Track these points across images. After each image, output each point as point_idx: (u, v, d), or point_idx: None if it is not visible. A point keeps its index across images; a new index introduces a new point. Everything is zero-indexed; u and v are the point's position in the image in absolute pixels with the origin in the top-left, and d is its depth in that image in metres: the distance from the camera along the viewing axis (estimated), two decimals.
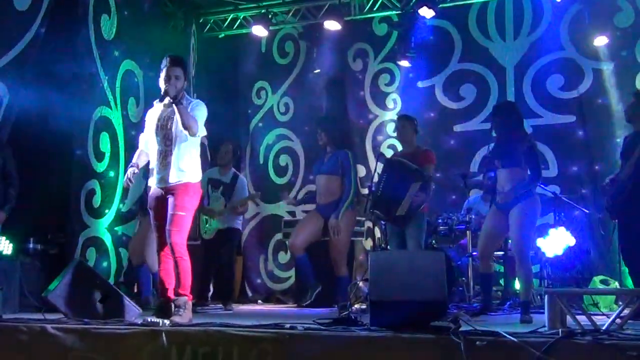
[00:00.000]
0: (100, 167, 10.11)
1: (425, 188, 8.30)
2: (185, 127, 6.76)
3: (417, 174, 8.24)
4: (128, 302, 6.97)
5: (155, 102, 7.06)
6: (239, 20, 12.19)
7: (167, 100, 6.79)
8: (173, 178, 6.77)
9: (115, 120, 10.36)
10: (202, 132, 6.91)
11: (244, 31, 12.17)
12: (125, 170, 9.88)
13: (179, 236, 6.73)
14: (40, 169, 9.37)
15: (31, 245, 8.89)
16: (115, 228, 10.33)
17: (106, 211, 10.18)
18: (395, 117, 10.84)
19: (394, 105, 11.63)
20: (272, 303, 11.49)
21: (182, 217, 6.77)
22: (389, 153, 11.21)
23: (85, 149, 9.92)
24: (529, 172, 7.31)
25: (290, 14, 11.91)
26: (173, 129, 6.81)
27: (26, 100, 8.77)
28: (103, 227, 10.14)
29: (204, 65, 12.21)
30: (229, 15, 12.22)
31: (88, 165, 9.95)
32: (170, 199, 6.75)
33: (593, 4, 10.27)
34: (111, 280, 9.89)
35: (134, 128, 10.60)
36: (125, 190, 10.36)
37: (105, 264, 10.15)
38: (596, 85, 10.38)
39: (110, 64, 10.33)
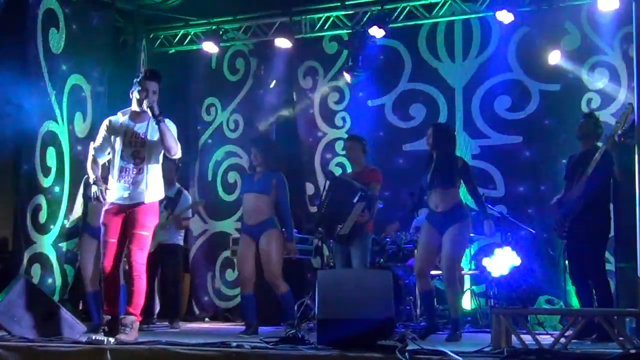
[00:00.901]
0: (47, 182, 10.00)
1: (369, 207, 8.33)
2: (167, 147, 6.65)
3: (361, 194, 8.29)
4: (72, 319, 6.89)
5: (120, 113, 6.88)
6: (190, 37, 12.17)
7: (137, 114, 6.71)
8: (143, 197, 6.67)
9: (62, 135, 10.25)
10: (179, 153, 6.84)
11: (194, 47, 12.14)
12: (76, 185, 9.83)
13: (141, 255, 6.67)
14: None
15: None
16: (60, 244, 10.20)
17: (52, 227, 10.06)
18: (345, 136, 10.96)
19: (343, 123, 11.65)
20: (219, 321, 11.41)
21: (146, 237, 6.71)
22: (337, 171, 11.28)
23: (32, 164, 9.81)
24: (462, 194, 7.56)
25: (241, 30, 11.91)
26: (145, 147, 6.68)
27: None
28: (48, 243, 10.01)
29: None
30: (180, 31, 12.19)
31: (35, 180, 9.84)
32: (133, 217, 6.64)
33: (540, 26, 10.40)
34: (56, 297, 9.77)
35: (80, 143, 10.50)
36: (71, 206, 10.25)
37: (50, 280, 10.02)
38: (543, 107, 10.50)
39: (58, 78, 10.24)
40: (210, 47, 11.60)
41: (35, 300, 6.79)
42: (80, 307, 10.35)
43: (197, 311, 11.77)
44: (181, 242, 9.86)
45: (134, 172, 6.66)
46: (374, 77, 11.29)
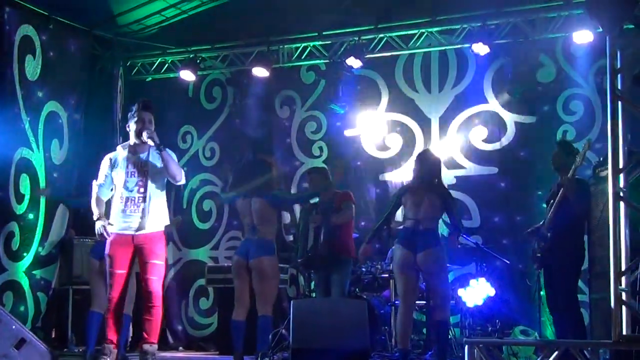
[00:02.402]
0: (20, 209, 9.94)
1: (322, 212, 8.42)
2: (172, 174, 6.83)
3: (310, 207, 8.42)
4: (44, 347, 6.81)
5: (119, 147, 7.07)
6: (167, 64, 12.16)
7: (136, 146, 6.87)
8: (150, 226, 6.82)
9: (37, 162, 10.20)
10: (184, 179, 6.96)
11: (171, 75, 12.12)
12: (51, 212, 9.76)
13: (159, 285, 6.86)
14: None
15: None
16: (34, 272, 10.12)
17: (24, 254, 9.98)
18: (322, 165, 10.99)
19: (321, 152, 11.66)
20: (193, 350, 11.33)
21: (161, 265, 6.90)
22: (314, 200, 11.26)
23: (6, 191, 9.74)
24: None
25: (219, 59, 11.93)
26: (149, 176, 6.82)
27: None
28: (21, 271, 9.93)
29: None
30: (157, 59, 12.19)
31: (8, 206, 9.77)
32: (145, 247, 6.79)
33: (516, 59, 10.46)
34: (28, 326, 9.67)
35: (57, 170, 10.46)
36: (45, 234, 10.19)
37: (22, 308, 9.93)
38: (518, 138, 10.56)
39: (33, 105, 10.21)
40: (187, 75, 11.60)
41: (6, 328, 6.71)
42: (53, 335, 10.25)
43: (171, 340, 11.67)
44: None
45: (140, 202, 6.83)
46: (351, 107, 11.30)
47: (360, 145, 11.42)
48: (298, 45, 11.49)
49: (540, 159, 9.98)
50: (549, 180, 8.55)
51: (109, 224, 6.85)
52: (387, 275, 9.52)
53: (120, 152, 7.02)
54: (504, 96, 10.47)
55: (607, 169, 7.62)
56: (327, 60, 11.36)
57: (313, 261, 8.74)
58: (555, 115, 10.36)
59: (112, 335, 6.95)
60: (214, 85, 12.25)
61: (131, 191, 6.83)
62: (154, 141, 6.78)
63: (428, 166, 7.86)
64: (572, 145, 8.08)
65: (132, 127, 6.96)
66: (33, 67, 10.24)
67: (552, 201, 7.83)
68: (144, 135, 6.80)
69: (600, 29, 8.27)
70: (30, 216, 10.10)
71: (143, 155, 6.93)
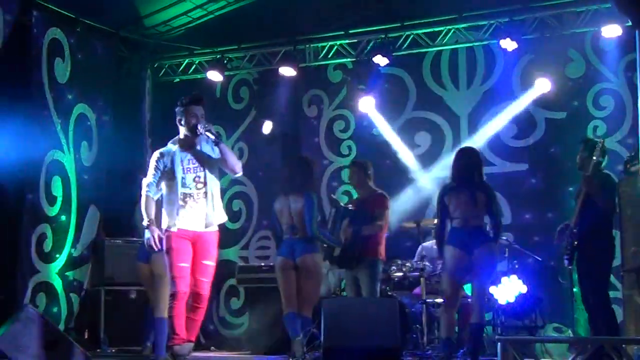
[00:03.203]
0: (52, 211, 10.00)
1: (353, 222, 8.38)
2: (231, 166, 6.79)
3: (343, 212, 8.38)
4: (77, 348, 6.86)
5: (169, 144, 6.96)
6: (194, 65, 12.19)
7: (187, 140, 6.79)
8: (211, 223, 6.81)
9: (68, 164, 10.27)
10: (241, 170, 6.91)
11: (199, 76, 12.15)
12: (83, 214, 9.80)
13: (208, 287, 6.88)
14: None
15: None
16: (66, 273, 10.19)
17: (57, 256, 10.05)
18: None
19: (349, 151, 11.65)
20: (225, 350, 11.35)
21: (213, 267, 6.90)
22: (343, 199, 11.25)
23: (38, 193, 9.81)
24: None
25: (246, 59, 11.94)
26: (205, 171, 6.76)
27: None
28: (54, 272, 10.00)
29: (159, 109, 12.16)
30: (184, 60, 12.23)
31: (40, 209, 9.84)
32: (203, 247, 6.79)
33: (544, 54, 10.41)
34: (61, 327, 9.77)
35: (87, 172, 10.52)
36: (77, 235, 10.25)
37: (55, 309, 10.00)
38: (548, 134, 10.50)
39: (64, 108, 10.28)
40: (214, 76, 11.62)
41: (40, 329, 6.76)
42: (86, 336, 10.31)
43: (202, 340, 11.70)
44: None
45: (200, 197, 6.77)
46: (379, 105, 11.28)
47: (389, 143, 11.39)
48: (324, 44, 11.48)
49: (570, 154, 9.86)
50: (579, 176, 8.48)
51: (160, 236, 6.73)
52: (417, 273, 9.48)
53: (172, 148, 6.90)
54: None
55: (638, 163, 7.62)
56: (354, 59, 11.35)
57: (342, 261, 8.71)
58: (585, 110, 10.30)
59: (184, 333, 6.86)
60: (241, 85, 12.28)
61: (189, 187, 6.73)
62: (212, 134, 6.69)
63: (468, 163, 7.81)
64: (594, 142, 7.97)
65: (183, 122, 6.85)
66: (62, 70, 10.30)
67: (578, 198, 7.78)
68: (200, 129, 6.71)
69: (630, 23, 8.23)
70: (62, 218, 10.17)
71: (196, 150, 6.84)
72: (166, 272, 8.25)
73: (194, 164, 6.80)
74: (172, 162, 6.79)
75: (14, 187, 9.52)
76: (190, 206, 6.74)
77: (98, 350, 9.71)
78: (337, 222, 8.57)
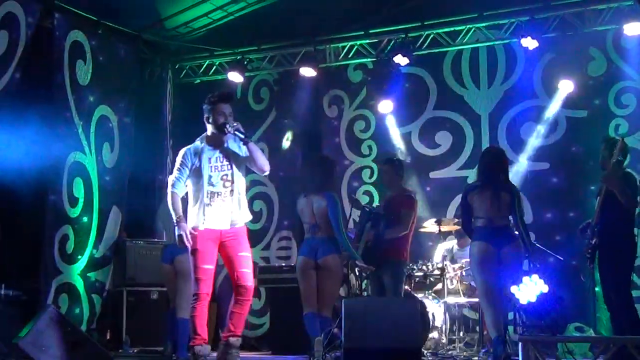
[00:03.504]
0: (74, 212, 10.06)
1: (375, 226, 8.34)
2: (259, 166, 6.74)
3: (367, 215, 8.35)
4: (99, 349, 6.90)
5: (197, 140, 6.89)
6: (215, 67, 12.23)
7: (215, 138, 6.72)
8: (235, 220, 6.73)
9: (90, 166, 10.32)
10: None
11: (219, 77, 12.18)
12: (105, 215, 9.83)
13: (251, 277, 6.78)
14: (14, 214, 9.32)
15: (2, 291, 8.79)
16: (88, 274, 10.25)
17: (79, 257, 10.11)
18: (371, 164, 11.03)
19: (370, 151, 11.65)
20: (246, 350, 11.35)
21: (250, 258, 6.82)
22: (364, 200, 11.27)
23: (60, 195, 9.88)
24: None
25: (266, 60, 11.95)
26: (233, 169, 6.71)
27: (0, 145, 8.74)
28: (76, 273, 10.06)
29: (179, 111, 12.22)
30: (205, 62, 12.26)
31: (62, 210, 9.90)
32: (234, 241, 6.71)
33: (566, 53, 10.36)
34: (83, 327, 9.81)
35: (108, 173, 10.57)
36: (99, 236, 10.30)
37: (77, 310, 10.06)
38: (570, 133, 10.45)
39: (85, 110, 10.34)
40: (235, 77, 11.64)
41: (62, 330, 6.81)
42: (108, 337, 10.36)
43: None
44: None
45: (227, 196, 6.70)
46: (399, 105, 11.28)
47: (410, 143, 11.38)
48: (345, 44, 11.47)
49: (592, 153, 9.83)
50: (601, 175, 8.45)
51: (191, 232, 6.64)
52: (438, 273, 9.46)
53: (199, 145, 6.82)
54: None
55: None
56: (374, 59, 11.34)
57: (365, 262, 8.69)
58: (606, 109, 10.25)
59: (205, 333, 6.83)
60: (262, 86, 12.30)
61: (216, 186, 6.66)
62: (241, 133, 6.63)
63: (493, 162, 7.79)
64: (615, 141, 7.93)
65: (211, 120, 6.75)
66: (84, 72, 10.36)
67: (599, 196, 7.74)
68: (229, 128, 6.64)
69: None
70: (85, 219, 10.22)
71: (224, 148, 6.76)
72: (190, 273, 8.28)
73: (221, 162, 6.72)
74: (200, 159, 6.72)
75: (37, 188, 9.58)
76: (217, 205, 6.67)
77: (120, 350, 9.76)
78: (362, 223, 8.56)
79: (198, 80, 12.48)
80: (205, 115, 6.83)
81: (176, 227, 6.71)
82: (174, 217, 6.74)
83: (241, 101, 12.31)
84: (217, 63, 12.21)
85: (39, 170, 9.32)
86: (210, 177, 6.67)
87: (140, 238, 10.41)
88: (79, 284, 10.10)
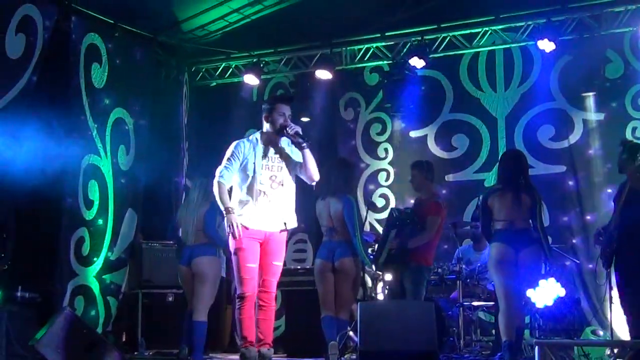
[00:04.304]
0: (89, 214, 10.08)
1: (399, 235, 8.31)
2: (310, 174, 6.65)
3: (393, 222, 8.31)
4: (115, 351, 6.91)
5: (253, 136, 6.82)
6: (231, 69, 12.25)
7: (270, 137, 6.67)
8: (279, 224, 6.68)
9: (105, 168, 10.34)
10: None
11: (235, 80, 12.20)
12: (120, 218, 9.83)
13: (275, 285, 6.77)
14: (30, 216, 9.35)
15: (19, 294, 8.80)
16: (104, 276, 10.26)
17: (95, 259, 10.13)
18: (388, 167, 11.05)
19: (386, 154, 11.64)
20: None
21: (280, 267, 6.79)
22: (380, 202, 11.28)
23: (76, 197, 9.90)
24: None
25: (282, 63, 11.96)
26: (283, 171, 6.65)
27: (17, 147, 8.77)
28: (91, 276, 10.08)
29: (196, 113, 12.25)
30: (221, 64, 12.29)
31: (78, 212, 9.92)
32: (271, 247, 6.66)
33: (583, 55, 10.32)
34: (99, 330, 9.82)
35: (124, 176, 10.59)
36: (114, 239, 10.31)
37: (93, 312, 10.08)
38: (586, 136, 10.41)
39: (100, 112, 10.35)
40: (251, 80, 11.65)
41: (78, 332, 6.82)
42: (124, 339, 10.38)
43: (238, 341, 11.71)
44: (223, 274, 9.83)
45: (274, 197, 6.63)
46: (416, 107, 11.25)
47: (426, 145, 11.36)
48: (361, 46, 11.48)
49: (609, 156, 9.83)
50: (618, 178, 8.38)
51: (241, 224, 6.56)
52: (454, 276, 9.44)
53: (254, 141, 6.74)
54: None
55: None
56: (391, 61, 11.31)
57: (387, 267, 8.67)
58: (624, 111, 10.21)
59: (252, 336, 6.80)
60: (278, 88, 12.29)
61: (264, 185, 6.59)
62: (301, 137, 6.53)
63: (513, 165, 7.76)
64: (631, 143, 7.90)
65: (270, 120, 6.69)
66: (99, 75, 10.38)
67: (618, 200, 7.69)
68: (289, 130, 6.55)
69: None
70: (100, 222, 10.24)
71: (278, 148, 6.69)
72: (211, 275, 8.27)
73: (272, 162, 6.66)
74: (252, 155, 6.66)
75: (53, 191, 9.60)
76: (264, 205, 6.60)
77: (135, 353, 9.76)
78: (388, 228, 8.54)
79: (214, 83, 12.50)
80: (265, 114, 6.77)
81: (226, 217, 6.64)
82: (223, 207, 6.67)
83: (257, 104, 12.30)
84: (233, 66, 12.23)
85: (55, 172, 9.33)
86: (260, 175, 6.61)
87: (156, 240, 10.42)
88: (95, 286, 10.12)
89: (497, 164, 8.35)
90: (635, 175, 7.49)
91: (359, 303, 7.85)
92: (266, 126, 6.75)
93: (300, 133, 6.59)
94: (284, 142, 6.80)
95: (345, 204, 7.94)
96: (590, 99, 10.36)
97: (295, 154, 6.75)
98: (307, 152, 6.58)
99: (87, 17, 10.26)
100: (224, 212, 6.67)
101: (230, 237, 6.69)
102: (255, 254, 6.66)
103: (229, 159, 6.74)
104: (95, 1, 10.28)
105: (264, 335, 6.77)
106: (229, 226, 6.59)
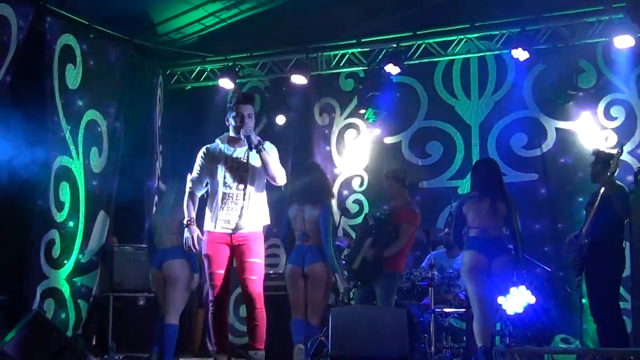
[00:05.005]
0: (60, 216, 10.00)
1: (375, 244, 8.32)
2: (271, 176, 6.54)
3: (369, 230, 8.33)
4: (85, 354, 6.87)
5: (218, 140, 6.80)
6: (206, 73, 12.22)
7: (235, 139, 6.63)
8: (249, 225, 6.57)
9: (77, 170, 10.26)
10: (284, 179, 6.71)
11: (210, 83, 12.17)
12: (91, 220, 9.78)
13: (259, 284, 6.60)
14: (0, 217, 9.27)
15: None
16: (75, 279, 10.18)
17: (65, 262, 10.05)
18: (362, 174, 11.07)
19: (360, 160, 11.64)
20: (233, 357, 11.30)
21: (260, 264, 6.63)
22: (354, 208, 11.29)
23: (47, 199, 9.81)
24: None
25: (257, 67, 11.95)
26: (249, 172, 6.57)
27: None
28: (62, 278, 10.00)
29: (170, 116, 12.20)
30: (196, 68, 12.25)
31: (48, 214, 9.84)
32: (244, 246, 6.55)
33: (556, 65, 10.38)
34: (69, 333, 9.77)
35: (96, 178, 10.53)
36: (85, 241, 10.25)
37: (63, 315, 10.00)
38: (559, 144, 10.48)
39: (74, 114, 10.27)
40: (226, 84, 11.63)
41: (48, 335, 6.77)
42: (94, 343, 10.31)
43: (210, 347, 11.69)
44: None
45: (239, 199, 6.56)
46: (390, 114, 11.27)
47: (400, 152, 11.38)
48: (336, 52, 11.48)
49: (581, 165, 9.89)
50: (590, 187, 8.47)
51: (199, 237, 6.59)
52: (426, 282, 9.46)
53: (219, 144, 6.72)
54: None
55: None
56: (366, 68, 11.33)
57: (361, 277, 8.67)
58: (596, 120, 10.27)
59: (223, 341, 6.80)
60: (253, 93, 12.24)
61: (230, 187, 6.54)
62: (249, 141, 6.46)
63: (487, 173, 7.81)
64: (605, 153, 7.98)
65: (230, 121, 6.66)
66: (74, 76, 10.30)
67: (590, 208, 7.76)
68: (241, 133, 6.50)
69: None
70: (71, 224, 10.17)
71: (242, 149, 6.62)
72: (181, 278, 8.25)
73: (237, 163, 6.61)
74: (217, 158, 6.64)
75: (24, 192, 9.53)
76: (229, 207, 6.55)
77: (105, 356, 9.70)
78: (363, 237, 8.55)
79: (189, 86, 12.47)
80: (226, 116, 6.75)
81: (185, 230, 6.66)
82: (185, 219, 6.70)
83: None
84: (208, 69, 12.20)
85: (26, 174, 9.26)
86: (225, 178, 6.58)
87: (127, 243, 10.37)
88: (65, 289, 10.04)
89: (471, 171, 8.41)
90: (609, 184, 7.55)
91: (331, 308, 7.88)
92: (230, 128, 6.75)
93: (252, 137, 6.51)
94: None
95: (322, 210, 7.97)
96: (563, 108, 10.41)
97: (257, 155, 6.66)
98: (263, 154, 6.50)
99: (62, 18, 10.18)
100: (185, 223, 6.71)
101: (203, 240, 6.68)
102: (223, 258, 6.63)
103: (197, 166, 6.77)
104: (71, 2, 10.21)
105: (253, 340, 6.68)
106: (187, 238, 6.62)
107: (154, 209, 10.88)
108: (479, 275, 7.56)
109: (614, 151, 7.89)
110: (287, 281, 8.09)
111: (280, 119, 11.67)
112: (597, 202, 7.61)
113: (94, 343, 10.28)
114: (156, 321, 8.64)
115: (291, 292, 8.08)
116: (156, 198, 11.37)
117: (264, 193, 6.81)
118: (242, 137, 6.54)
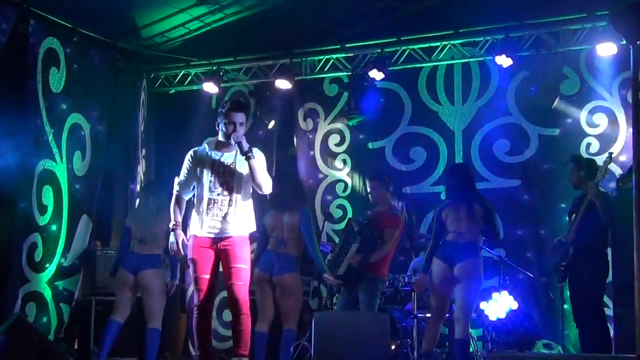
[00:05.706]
0: (43, 220, 9.95)
1: (361, 250, 8.32)
2: (257, 184, 6.52)
3: (354, 236, 8.33)
4: (68, 358, 6.84)
5: (205, 143, 6.79)
6: (190, 77, 12.19)
7: (223, 144, 6.61)
8: (234, 231, 6.54)
9: (60, 174, 10.21)
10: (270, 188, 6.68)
11: (194, 87, 12.14)
12: (74, 224, 9.73)
13: (245, 290, 6.58)
14: None
15: None
16: (57, 283, 10.13)
17: (47, 265, 10.00)
18: (345, 178, 11.08)
19: (344, 165, 11.66)
20: None
21: (246, 270, 6.61)
22: (337, 213, 11.29)
23: (29, 202, 9.76)
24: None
25: (242, 71, 11.93)
26: (235, 177, 6.55)
27: None
28: (44, 282, 9.95)
29: (153, 120, 12.17)
30: (180, 72, 12.22)
31: (31, 218, 9.80)
32: (229, 251, 6.52)
33: (539, 71, 10.44)
34: (51, 337, 9.73)
35: (79, 182, 10.49)
36: (68, 245, 10.20)
37: (45, 319, 9.95)
38: (542, 151, 10.52)
39: (57, 117, 10.22)
40: (210, 88, 11.61)
41: (29, 339, 6.74)
42: (76, 346, 10.27)
43: (193, 351, 11.67)
44: (177, 282, 9.78)
45: (224, 205, 6.53)
46: (374, 119, 11.30)
47: (384, 157, 11.40)
48: (321, 57, 11.47)
49: (563, 171, 9.87)
50: (572, 193, 8.51)
51: (184, 242, 6.58)
52: (409, 288, 9.48)
53: (206, 148, 6.70)
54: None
55: (631, 181, 7.63)
56: (350, 73, 11.34)
57: (345, 280, 8.66)
58: (578, 127, 10.32)
59: (206, 347, 6.78)
60: (237, 97, 12.25)
61: (215, 193, 6.52)
62: (240, 148, 6.44)
63: (461, 179, 7.85)
64: (589, 159, 8.04)
65: (221, 127, 6.64)
66: (57, 79, 10.26)
67: (573, 215, 7.81)
68: (232, 139, 6.46)
69: (624, 41, 8.26)
70: (53, 227, 10.12)
71: (230, 155, 6.61)
72: (156, 288, 8.23)
73: (224, 168, 6.58)
74: (203, 163, 6.62)
75: (6, 195, 9.50)
76: (215, 212, 6.53)
77: None
78: (348, 242, 8.54)
79: (173, 90, 12.43)
80: (217, 121, 6.74)
81: (171, 234, 6.65)
82: (171, 223, 6.69)
83: (216, 112, 12.25)
84: (192, 73, 12.17)
85: (8, 177, 9.23)
86: (210, 182, 6.56)
87: (110, 247, 10.34)
88: (47, 293, 9.99)
89: (445, 178, 8.45)
90: (594, 192, 7.59)
91: (314, 313, 7.87)
92: (219, 133, 6.74)
93: (242, 145, 6.50)
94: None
95: (302, 216, 7.94)
96: (546, 114, 10.46)
97: (245, 162, 6.66)
98: (253, 162, 6.49)
99: (45, 21, 10.14)
100: (171, 227, 6.70)
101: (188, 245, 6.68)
102: (208, 263, 6.61)
103: (184, 169, 6.75)
104: (55, 5, 10.16)
105: (237, 345, 6.63)
106: (172, 243, 6.62)
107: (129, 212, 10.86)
108: (443, 286, 7.64)
109: (597, 158, 7.94)
110: (255, 286, 8.02)
111: (271, 123, 11.67)
112: (583, 209, 7.64)
113: (76, 347, 10.24)
114: (138, 325, 8.60)
115: (257, 298, 8.04)
116: (137, 202, 11.34)
117: (250, 201, 6.78)
118: (233, 142, 6.51)
